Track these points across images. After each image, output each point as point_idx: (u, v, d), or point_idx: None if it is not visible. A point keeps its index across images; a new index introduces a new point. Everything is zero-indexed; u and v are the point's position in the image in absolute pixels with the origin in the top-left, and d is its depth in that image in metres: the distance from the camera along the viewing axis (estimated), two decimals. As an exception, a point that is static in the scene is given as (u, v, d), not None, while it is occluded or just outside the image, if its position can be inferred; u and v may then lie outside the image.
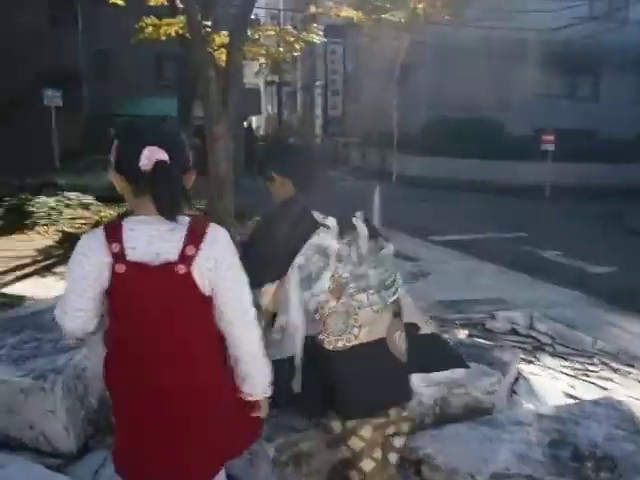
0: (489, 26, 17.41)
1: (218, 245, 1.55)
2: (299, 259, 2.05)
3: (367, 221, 2.22)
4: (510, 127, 20.15)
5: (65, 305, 1.55)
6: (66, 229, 9.88)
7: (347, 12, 12.88)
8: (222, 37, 10.79)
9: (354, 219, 2.17)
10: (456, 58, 19.94)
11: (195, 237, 1.51)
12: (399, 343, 2.14)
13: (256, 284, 1.95)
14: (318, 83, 35.45)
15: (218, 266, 1.53)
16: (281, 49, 13.32)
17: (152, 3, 12.35)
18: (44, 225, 10.21)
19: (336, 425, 2.17)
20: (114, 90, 20.79)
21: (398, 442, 2.26)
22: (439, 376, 2.64)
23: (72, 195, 12.01)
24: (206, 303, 1.56)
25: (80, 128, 19.63)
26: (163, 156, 1.48)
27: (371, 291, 2.11)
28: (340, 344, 2.03)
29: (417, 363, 2.20)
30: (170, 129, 1.60)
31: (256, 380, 1.68)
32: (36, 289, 5.64)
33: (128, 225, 1.51)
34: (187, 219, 1.55)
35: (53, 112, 15.83)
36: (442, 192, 16.87)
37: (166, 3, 11.71)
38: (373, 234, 2.22)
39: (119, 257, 1.47)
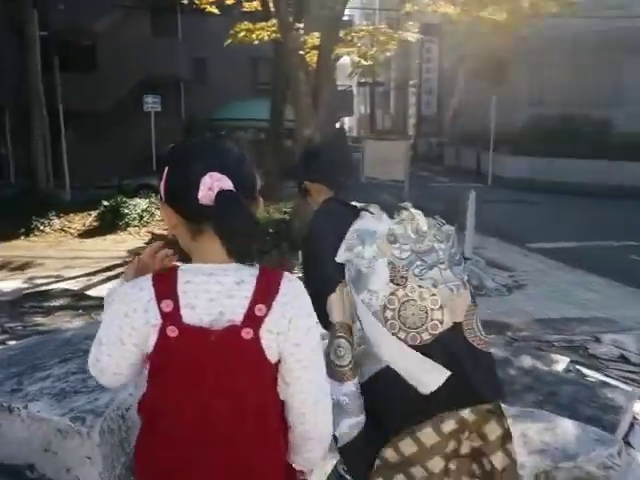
0: (602, 15, 16.18)
1: (293, 303, 1.24)
2: (341, 252, 1.73)
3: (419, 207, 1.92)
4: (621, 124, 18.68)
5: (101, 365, 1.31)
6: (156, 231, 10.24)
7: (444, 8, 12.42)
8: (314, 39, 10.70)
9: (404, 203, 1.87)
10: (560, 52, 18.80)
11: (266, 293, 1.22)
12: (479, 327, 1.75)
13: (323, 306, 1.72)
14: (412, 82, 34.94)
15: (291, 329, 1.23)
16: (374, 49, 13.08)
17: (246, 9, 12.55)
18: (136, 226, 10.64)
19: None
20: (211, 95, 21.53)
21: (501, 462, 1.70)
22: (542, 443, 2.15)
23: (164, 197, 12.40)
24: (271, 371, 1.27)
25: (178, 132, 20.40)
26: (227, 184, 1.18)
27: (443, 266, 1.75)
28: (426, 335, 1.65)
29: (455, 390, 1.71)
30: (232, 148, 1.27)
31: (313, 455, 1.40)
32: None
33: (184, 276, 1.22)
34: (256, 268, 1.24)
35: (152, 117, 16.46)
36: (542, 195, 15.97)
37: (259, 8, 11.86)
38: (428, 213, 1.88)
39: (172, 318, 1.19)
